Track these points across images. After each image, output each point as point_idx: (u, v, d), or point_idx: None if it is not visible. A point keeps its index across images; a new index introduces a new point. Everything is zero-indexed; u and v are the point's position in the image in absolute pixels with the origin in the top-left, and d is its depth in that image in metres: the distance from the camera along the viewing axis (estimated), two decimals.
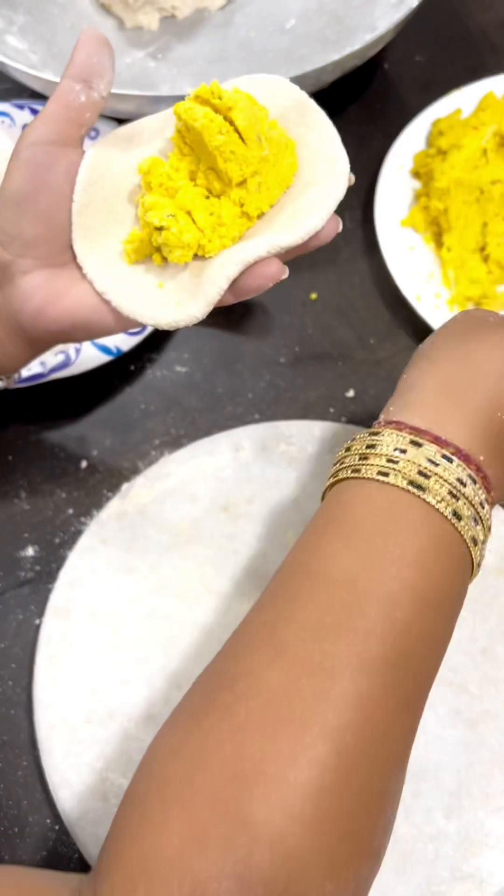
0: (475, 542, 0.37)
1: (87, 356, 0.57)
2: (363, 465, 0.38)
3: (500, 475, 0.39)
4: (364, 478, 0.37)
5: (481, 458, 0.38)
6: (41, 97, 0.67)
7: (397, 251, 0.62)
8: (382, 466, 0.37)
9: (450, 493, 0.36)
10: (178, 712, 0.34)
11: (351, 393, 0.60)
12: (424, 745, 0.46)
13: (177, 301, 0.39)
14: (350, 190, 0.68)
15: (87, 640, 0.50)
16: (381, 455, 0.37)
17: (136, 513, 0.54)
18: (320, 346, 0.62)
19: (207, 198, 0.39)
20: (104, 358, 0.57)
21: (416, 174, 0.66)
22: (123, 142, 0.42)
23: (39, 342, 0.42)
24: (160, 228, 0.38)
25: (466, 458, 0.37)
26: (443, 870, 0.43)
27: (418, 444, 0.37)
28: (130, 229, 0.40)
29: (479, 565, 0.38)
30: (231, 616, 0.50)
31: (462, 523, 0.36)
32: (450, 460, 0.37)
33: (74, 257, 0.40)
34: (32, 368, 0.56)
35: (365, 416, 0.59)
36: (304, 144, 0.40)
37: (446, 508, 0.36)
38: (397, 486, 0.36)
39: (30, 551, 0.55)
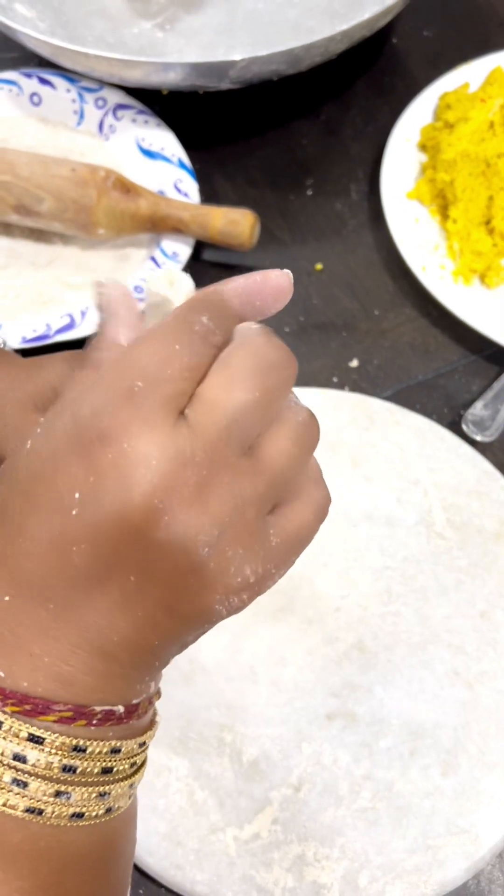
0: (80, 815, 0.27)
1: (93, 319, 0.57)
2: None
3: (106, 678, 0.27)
4: None
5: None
6: (49, 65, 0.67)
7: (403, 223, 0.63)
8: None
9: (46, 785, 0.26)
10: None
11: (355, 363, 0.60)
12: (423, 704, 0.47)
13: None
14: (357, 162, 0.69)
15: None
16: None
17: None
18: (325, 316, 0.62)
19: None
20: None
21: (423, 147, 0.66)
22: None
23: None
24: None
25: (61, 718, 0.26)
26: (438, 825, 0.44)
27: None
28: None
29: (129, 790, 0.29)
30: None
31: (54, 813, 0.26)
32: (39, 741, 0.26)
33: None
34: (37, 329, 0.56)
35: (368, 386, 0.59)
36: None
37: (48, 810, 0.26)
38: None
39: None
